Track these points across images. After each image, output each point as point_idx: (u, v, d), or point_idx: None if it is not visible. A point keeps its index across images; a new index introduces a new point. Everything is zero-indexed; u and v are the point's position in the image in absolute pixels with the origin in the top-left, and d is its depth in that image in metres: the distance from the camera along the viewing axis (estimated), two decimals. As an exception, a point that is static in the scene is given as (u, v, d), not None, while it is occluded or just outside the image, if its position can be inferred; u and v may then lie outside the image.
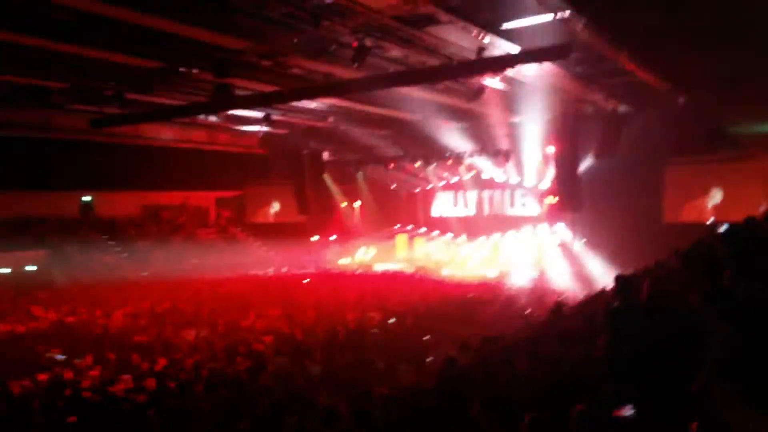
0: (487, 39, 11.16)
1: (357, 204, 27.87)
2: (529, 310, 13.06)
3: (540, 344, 5.84)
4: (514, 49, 11.59)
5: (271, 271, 24.17)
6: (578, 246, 20.91)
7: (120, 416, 7.37)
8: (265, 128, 22.48)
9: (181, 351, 11.14)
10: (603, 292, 9.24)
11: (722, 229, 4.69)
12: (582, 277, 18.81)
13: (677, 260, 5.91)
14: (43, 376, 9.44)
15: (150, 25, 10.75)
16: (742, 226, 4.76)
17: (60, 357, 10.87)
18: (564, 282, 18.52)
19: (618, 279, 5.27)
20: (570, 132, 18.62)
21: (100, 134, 20.53)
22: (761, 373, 2.09)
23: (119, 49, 12.31)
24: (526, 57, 11.75)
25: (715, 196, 18.62)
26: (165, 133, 24.01)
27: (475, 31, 10.88)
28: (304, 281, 21.06)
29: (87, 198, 24.40)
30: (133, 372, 9.56)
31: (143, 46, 12.22)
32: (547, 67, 13.45)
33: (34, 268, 20.26)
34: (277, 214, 29.24)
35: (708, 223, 17.79)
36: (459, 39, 11.56)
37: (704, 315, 3.00)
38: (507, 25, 11.12)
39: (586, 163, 19.20)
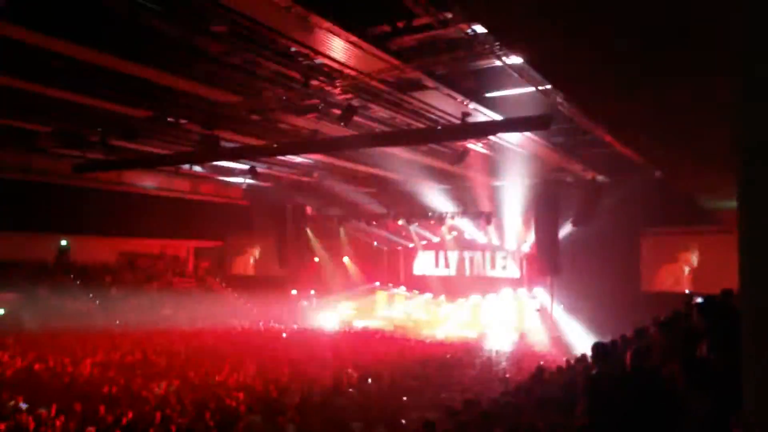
0: (471, 105, 11.50)
1: (338, 260, 27.82)
2: (508, 375, 12.97)
3: (520, 411, 5.79)
4: (497, 116, 11.95)
5: (247, 324, 23.75)
6: (557, 310, 20.97)
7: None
8: (249, 180, 22.59)
9: (150, 404, 10.78)
10: (582, 358, 9.23)
11: (699, 300, 4.78)
12: (560, 341, 18.79)
13: (656, 329, 5.96)
14: (2, 425, 9.05)
15: (140, 75, 10.90)
16: (718, 298, 4.86)
17: (23, 405, 10.44)
18: (543, 346, 18.46)
19: (596, 347, 5.31)
20: (550, 198, 19.03)
21: (80, 179, 20.41)
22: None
23: (107, 97, 12.38)
24: (507, 125, 12.12)
25: (692, 267, 18.93)
26: (148, 181, 23.96)
27: (459, 98, 11.22)
28: (281, 336, 20.71)
29: (63, 242, 24.04)
30: (98, 424, 9.21)
31: (132, 95, 12.32)
32: (528, 135, 13.83)
33: (1, 311, 19.69)
34: (256, 266, 29.01)
35: (685, 293, 18.01)
36: (444, 104, 11.89)
37: (682, 387, 3.03)
38: (490, 94, 11.51)
39: (565, 229, 19.50)
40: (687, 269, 19.04)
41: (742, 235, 1.95)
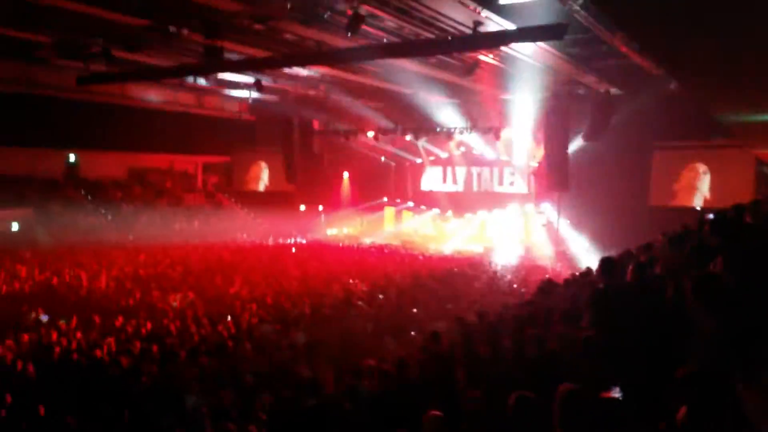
0: (484, 14, 11.02)
1: (346, 175, 27.80)
2: (515, 286, 13.21)
3: (526, 322, 5.92)
4: (510, 26, 11.48)
5: (257, 238, 24.14)
6: (563, 225, 21.09)
7: (105, 378, 7.39)
8: (254, 94, 22.19)
9: (167, 316, 11.14)
10: (588, 272, 9.34)
11: (711, 216, 4.74)
12: (566, 256, 19.02)
13: (663, 243, 5.97)
14: (25, 336, 9.40)
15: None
16: (730, 214, 4.81)
17: (44, 318, 10.81)
18: (549, 260, 18.71)
19: (603, 260, 5.34)
20: (561, 112, 18.62)
21: (86, 92, 20.15)
22: (750, 365, 2.14)
23: (107, 5, 12.00)
24: (521, 35, 11.63)
25: (703, 182, 18.79)
26: (152, 95, 23.64)
27: (471, 5, 10.73)
28: (291, 250, 21.07)
29: (72, 157, 24.07)
30: (117, 335, 9.56)
31: (133, 3, 11.92)
32: (541, 45, 13.36)
33: (16, 226, 20.02)
34: (264, 181, 29.10)
35: (695, 208, 18.00)
36: (455, 12, 11.40)
37: (690, 304, 3.05)
38: (504, 1, 11.00)
39: (575, 144, 19.24)
40: (698, 184, 18.91)
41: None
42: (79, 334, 9.65)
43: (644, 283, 4.34)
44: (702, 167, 18.79)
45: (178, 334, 9.60)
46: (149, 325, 10.13)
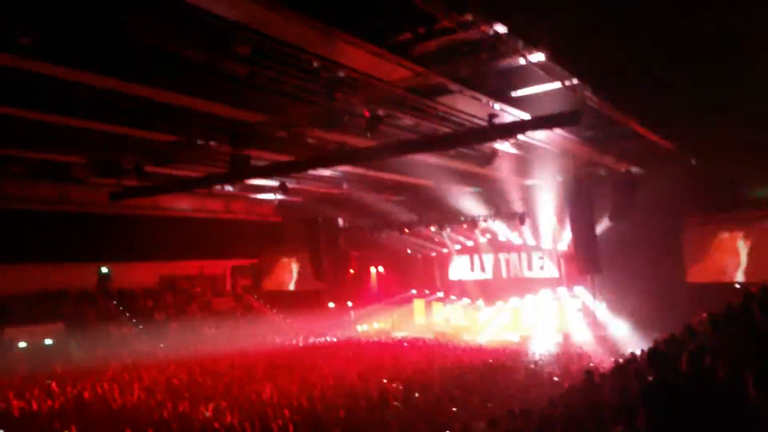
0: (497, 106, 11.32)
1: (373, 270, 27.76)
2: (556, 379, 12.65)
3: (573, 419, 5.59)
4: (525, 115, 11.73)
5: (287, 339, 23.83)
6: (600, 309, 20.49)
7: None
8: (280, 196, 22.70)
9: (198, 426, 10.81)
10: (632, 358, 8.93)
11: (759, 292, 4.53)
12: (606, 340, 18.34)
13: (708, 327, 5.70)
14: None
15: (168, 101, 11.06)
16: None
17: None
18: (588, 346, 18.03)
19: (651, 352, 5.10)
20: (584, 194, 18.59)
21: (117, 206, 20.82)
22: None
23: (138, 125, 12.61)
24: (535, 123, 11.85)
25: (740, 256, 18.25)
26: (182, 204, 24.33)
27: (484, 100, 11.05)
28: (322, 350, 20.67)
29: (105, 269, 24.53)
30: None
31: (162, 121, 12.51)
32: (557, 131, 13.57)
33: (50, 342, 20.12)
34: (293, 281, 29.13)
35: (735, 283, 17.41)
36: (469, 107, 11.74)
37: (753, 396, 2.84)
38: (516, 93, 11.31)
39: (602, 225, 19.05)
40: (734, 258, 18.36)
41: None
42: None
43: (698, 375, 4.10)
44: (738, 239, 18.30)
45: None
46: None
